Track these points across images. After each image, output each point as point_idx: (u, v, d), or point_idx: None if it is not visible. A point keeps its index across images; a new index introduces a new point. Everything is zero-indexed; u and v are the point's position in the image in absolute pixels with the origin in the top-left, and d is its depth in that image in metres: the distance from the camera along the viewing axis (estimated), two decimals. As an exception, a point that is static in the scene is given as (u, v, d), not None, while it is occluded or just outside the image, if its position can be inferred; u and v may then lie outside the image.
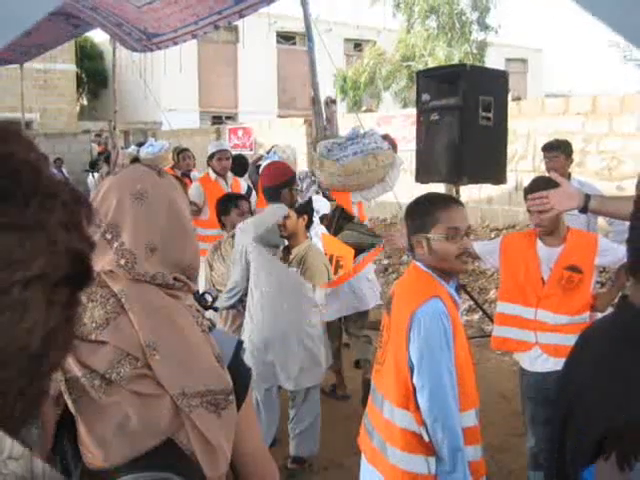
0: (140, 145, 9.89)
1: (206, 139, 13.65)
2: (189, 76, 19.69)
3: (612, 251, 3.00)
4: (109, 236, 1.20)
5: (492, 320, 3.82)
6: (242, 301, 3.62)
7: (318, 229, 4.27)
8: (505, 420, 4.16)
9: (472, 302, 5.78)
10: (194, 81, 22.00)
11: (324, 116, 5.15)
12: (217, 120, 22.15)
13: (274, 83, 23.92)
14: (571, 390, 1.08)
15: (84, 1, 6.13)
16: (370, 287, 4.57)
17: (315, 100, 5.15)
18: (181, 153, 7.47)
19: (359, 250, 4.34)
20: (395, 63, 19.53)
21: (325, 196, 4.53)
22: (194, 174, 7.17)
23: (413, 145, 4.76)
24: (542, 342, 3.00)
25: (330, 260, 4.16)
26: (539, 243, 3.08)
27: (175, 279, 1.22)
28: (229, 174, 5.88)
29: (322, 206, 4.40)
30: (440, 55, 18.14)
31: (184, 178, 6.69)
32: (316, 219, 4.24)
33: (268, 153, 6.16)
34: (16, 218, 0.41)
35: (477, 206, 9.41)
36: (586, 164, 8.22)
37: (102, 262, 1.19)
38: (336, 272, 4.26)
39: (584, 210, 2.19)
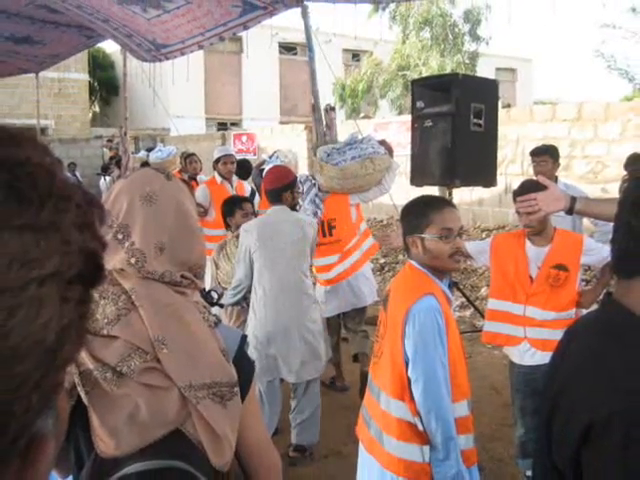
0: (149, 150, 9.90)
1: (212, 144, 13.65)
2: (196, 85, 19.69)
3: (597, 250, 3.00)
4: (120, 236, 1.20)
5: (483, 316, 3.81)
6: (246, 298, 3.62)
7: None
8: (496, 411, 4.16)
9: (464, 299, 5.77)
10: (200, 89, 21.99)
11: (324, 122, 5.15)
12: (222, 126, 22.14)
13: (276, 91, 23.91)
14: (558, 382, 1.08)
15: (97, 13, 6.13)
16: (367, 285, 4.57)
17: (315, 107, 5.15)
18: (188, 158, 7.47)
19: None
20: (391, 72, 19.55)
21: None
22: (200, 177, 7.17)
23: (408, 150, 4.76)
24: (530, 337, 3.00)
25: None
26: (528, 243, 3.08)
27: (183, 277, 1.21)
28: (234, 177, 5.89)
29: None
30: (434, 65, 18.15)
31: (191, 181, 6.70)
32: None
33: (271, 157, 6.16)
34: (32, 219, 0.41)
35: (469, 208, 9.41)
36: (572, 168, 8.22)
37: (114, 261, 1.19)
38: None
39: (570, 211, 2.19)
